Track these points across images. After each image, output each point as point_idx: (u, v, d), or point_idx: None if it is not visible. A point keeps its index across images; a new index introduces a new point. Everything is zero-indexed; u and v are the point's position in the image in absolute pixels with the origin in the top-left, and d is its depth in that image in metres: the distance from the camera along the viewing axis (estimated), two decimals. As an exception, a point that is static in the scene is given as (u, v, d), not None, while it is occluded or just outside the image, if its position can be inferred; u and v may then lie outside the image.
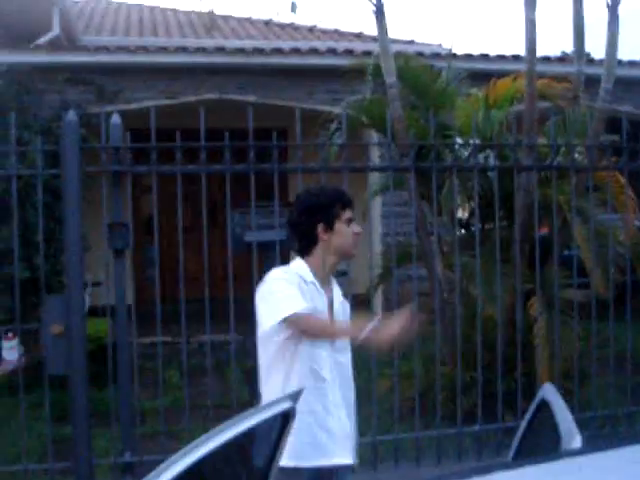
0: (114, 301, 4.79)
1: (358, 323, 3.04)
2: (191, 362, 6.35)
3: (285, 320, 3.03)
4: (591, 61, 9.76)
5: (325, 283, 3.27)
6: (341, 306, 3.34)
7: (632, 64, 12.78)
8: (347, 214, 3.27)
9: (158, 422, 5.32)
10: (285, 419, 2.59)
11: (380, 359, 5.35)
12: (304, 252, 3.28)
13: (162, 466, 1.89)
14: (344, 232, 3.25)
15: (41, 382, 4.76)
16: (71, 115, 4.65)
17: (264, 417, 2.43)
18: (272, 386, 3.16)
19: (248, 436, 2.34)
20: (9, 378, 6.82)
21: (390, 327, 2.90)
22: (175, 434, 5.42)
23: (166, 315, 5.06)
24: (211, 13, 10.48)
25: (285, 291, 3.12)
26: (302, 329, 3.11)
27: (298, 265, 3.26)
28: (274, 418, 2.49)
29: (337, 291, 3.38)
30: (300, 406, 2.60)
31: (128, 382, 4.82)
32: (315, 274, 3.22)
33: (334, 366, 3.24)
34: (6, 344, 7.08)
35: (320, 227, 3.22)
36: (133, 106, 9.95)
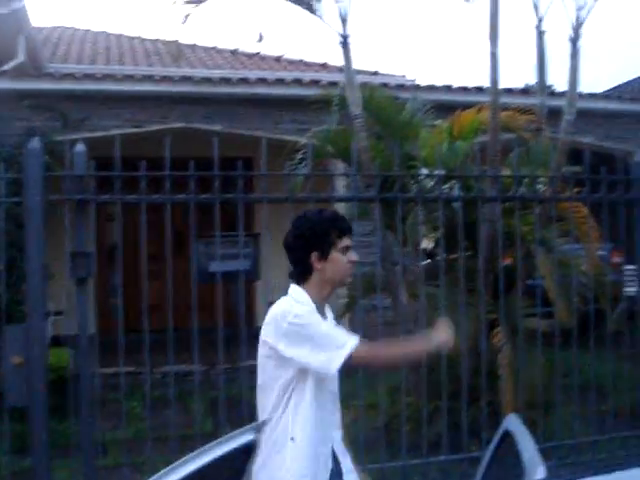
0: (76, 330, 4.73)
1: (419, 339, 3.22)
2: (154, 393, 6.28)
3: (350, 357, 2.93)
4: (553, 93, 9.93)
5: (321, 312, 3.17)
6: None
7: (593, 96, 13.01)
8: (344, 242, 3.17)
9: (120, 454, 5.24)
10: (248, 451, 2.57)
11: (345, 390, 5.33)
12: (300, 279, 3.19)
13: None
14: (339, 261, 3.15)
15: (1, 413, 4.67)
16: (35, 142, 4.62)
17: (227, 449, 2.40)
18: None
19: (211, 468, 2.32)
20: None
21: (444, 330, 3.15)
22: (138, 466, 5.35)
23: (129, 345, 4.99)
24: (177, 42, 10.47)
25: (323, 325, 3.06)
26: (368, 362, 3.18)
27: (298, 293, 3.16)
28: (237, 450, 2.46)
29: (331, 318, 3.30)
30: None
31: (90, 413, 4.75)
32: (316, 302, 3.13)
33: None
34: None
35: (314, 256, 3.12)
36: (98, 134, 9.92)
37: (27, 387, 4.55)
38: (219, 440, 2.40)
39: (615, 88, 18.66)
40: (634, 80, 18.81)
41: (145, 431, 5.23)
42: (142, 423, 6.18)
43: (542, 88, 6.82)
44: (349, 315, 7.55)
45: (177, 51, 10.60)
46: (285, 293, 3.22)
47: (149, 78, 10.90)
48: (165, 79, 10.90)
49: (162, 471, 2.08)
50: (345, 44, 6.24)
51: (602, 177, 5.82)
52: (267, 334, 3.08)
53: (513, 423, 2.59)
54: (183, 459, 2.17)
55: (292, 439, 2.99)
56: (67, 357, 5.55)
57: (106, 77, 10.75)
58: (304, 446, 3.00)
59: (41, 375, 4.55)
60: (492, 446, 2.64)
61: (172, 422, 5.04)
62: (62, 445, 5.35)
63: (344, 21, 6.20)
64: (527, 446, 2.38)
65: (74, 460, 4.92)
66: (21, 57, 11.16)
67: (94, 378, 4.88)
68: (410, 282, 6.69)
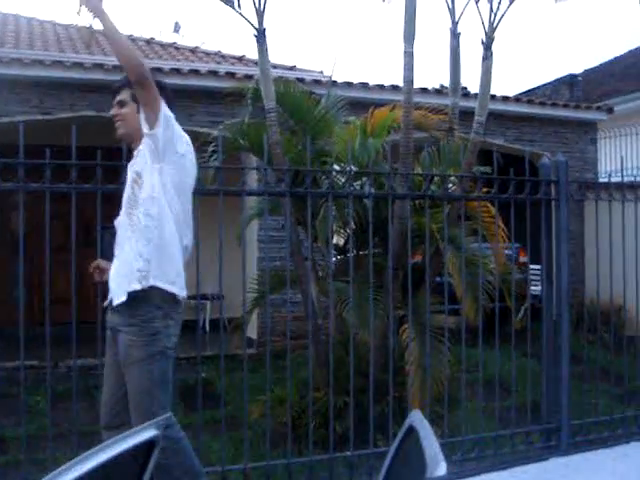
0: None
1: None
2: (60, 387, 6.13)
3: None
4: (467, 95, 10.09)
5: None
6: None
7: (505, 99, 13.30)
8: None
9: (20, 450, 5.09)
10: (151, 447, 2.50)
11: (253, 384, 5.30)
12: None
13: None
14: None
15: None
16: None
17: (129, 445, 2.34)
18: None
19: (113, 464, 2.25)
20: None
21: None
22: (39, 463, 5.20)
23: (36, 338, 4.85)
24: (90, 28, 10.18)
25: None
26: None
27: None
28: (139, 446, 2.40)
29: None
30: None
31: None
32: None
33: None
34: None
35: None
36: (4, 120, 9.62)
37: None
38: (121, 436, 2.32)
39: (526, 92, 19.13)
40: (544, 85, 19.33)
41: (48, 427, 5.08)
42: (46, 418, 6.03)
43: (455, 89, 6.91)
44: (258, 310, 7.53)
45: (89, 37, 10.33)
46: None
47: (59, 64, 10.59)
48: (76, 65, 10.62)
49: (61, 467, 2.00)
50: (261, 37, 6.18)
51: (510, 178, 5.93)
52: None
53: (417, 419, 2.60)
54: (83, 455, 2.09)
55: None
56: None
57: (14, 61, 10.41)
58: None
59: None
60: (396, 442, 2.64)
61: (74, 417, 4.92)
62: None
63: (260, 14, 6.15)
64: (430, 442, 2.39)
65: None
66: None
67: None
68: (320, 277, 6.71)
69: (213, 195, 5.01)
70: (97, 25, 3.93)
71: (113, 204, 5.02)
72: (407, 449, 2.59)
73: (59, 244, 5.47)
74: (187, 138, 3.99)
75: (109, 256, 4.22)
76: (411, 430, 2.58)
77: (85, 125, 5.19)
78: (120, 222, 3.94)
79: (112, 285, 3.86)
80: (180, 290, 3.84)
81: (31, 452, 5.10)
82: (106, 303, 3.89)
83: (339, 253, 7.29)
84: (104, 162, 4.66)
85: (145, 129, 3.79)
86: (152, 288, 3.74)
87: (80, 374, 5.10)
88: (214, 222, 4.76)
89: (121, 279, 3.81)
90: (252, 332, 9.96)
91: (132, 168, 3.96)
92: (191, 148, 4.02)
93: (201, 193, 4.96)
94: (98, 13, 3.70)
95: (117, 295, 3.80)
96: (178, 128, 3.92)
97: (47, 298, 4.67)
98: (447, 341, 5.97)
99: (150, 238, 3.77)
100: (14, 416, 5.83)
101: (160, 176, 3.80)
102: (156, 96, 3.78)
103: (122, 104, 3.98)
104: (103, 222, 4.77)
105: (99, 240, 4.63)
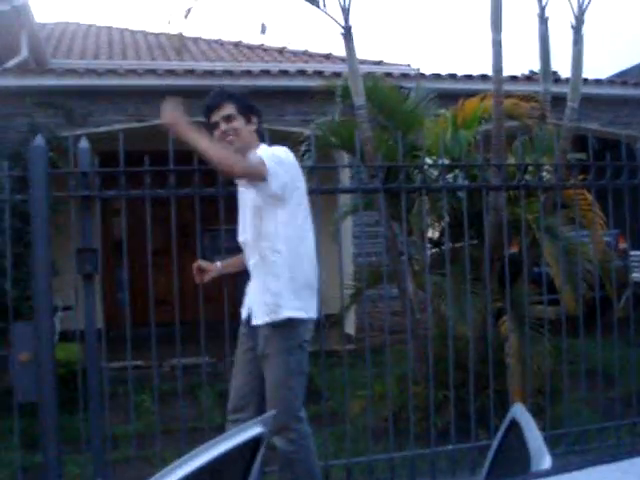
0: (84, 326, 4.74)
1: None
2: (164, 386, 6.30)
3: None
4: (558, 80, 9.90)
5: None
6: None
7: (598, 82, 12.98)
8: None
9: (130, 447, 5.27)
10: (256, 444, 2.57)
11: (354, 380, 5.33)
12: None
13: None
14: None
15: (11, 410, 4.69)
16: (38, 140, 4.61)
17: (235, 443, 2.41)
18: None
19: (220, 462, 2.32)
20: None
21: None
22: (148, 459, 5.37)
23: (139, 339, 5.01)
24: (180, 35, 10.47)
25: None
26: None
27: None
28: (245, 444, 2.47)
29: None
30: None
31: (99, 407, 4.77)
32: None
33: None
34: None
35: None
36: (102, 129, 9.93)
37: (37, 383, 4.57)
38: (226, 434, 2.39)
39: (620, 73, 18.59)
40: (638, 65, 18.74)
41: (155, 424, 5.25)
42: (152, 416, 6.21)
43: (546, 75, 6.79)
44: (355, 306, 7.57)
45: (179, 44, 10.59)
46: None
47: (152, 72, 10.89)
48: (168, 73, 10.89)
49: (171, 465, 2.08)
50: (348, 34, 6.21)
51: (607, 163, 5.79)
52: None
53: (519, 412, 2.59)
54: (190, 454, 2.16)
55: None
56: (76, 352, 5.56)
57: (109, 72, 10.74)
58: None
59: (50, 370, 4.57)
60: (499, 436, 2.63)
61: (181, 415, 5.07)
62: (72, 440, 5.36)
63: (346, 11, 6.18)
64: (533, 436, 2.37)
65: (84, 454, 4.93)
66: (24, 53, 11.18)
67: (102, 372, 4.89)
68: (416, 272, 6.69)
69: (308, 194, 5.07)
70: (187, 32, 3.97)
71: (210, 207, 5.17)
72: (510, 443, 2.58)
73: (157, 247, 5.62)
74: (287, 156, 4.03)
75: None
76: (514, 424, 2.57)
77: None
78: (247, 243, 4.06)
79: (252, 305, 4.03)
80: (308, 311, 3.94)
81: (140, 449, 5.26)
82: (244, 315, 4.11)
83: (434, 246, 7.26)
84: (201, 167, 4.78)
85: (257, 187, 3.84)
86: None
87: (183, 373, 5.23)
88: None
89: (257, 305, 3.97)
90: (350, 328, 10.02)
91: (247, 194, 4.03)
92: (293, 161, 4.07)
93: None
94: (187, 137, 3.70)
95: (255, 316, 3.98)
96: (285, 161, 3.95)
97: (152, 300, 4.82)
98: (547, 332, 5.88)
99: (279, 273, 3.86)
100: (122, 414, 6.01)
101: (282, 212, 3.89)
102: (258, 167, 3.76)
103: (230, 119, 3.98)
104: (203, 225, 4.91)
105: (199, 242, 4.75)
